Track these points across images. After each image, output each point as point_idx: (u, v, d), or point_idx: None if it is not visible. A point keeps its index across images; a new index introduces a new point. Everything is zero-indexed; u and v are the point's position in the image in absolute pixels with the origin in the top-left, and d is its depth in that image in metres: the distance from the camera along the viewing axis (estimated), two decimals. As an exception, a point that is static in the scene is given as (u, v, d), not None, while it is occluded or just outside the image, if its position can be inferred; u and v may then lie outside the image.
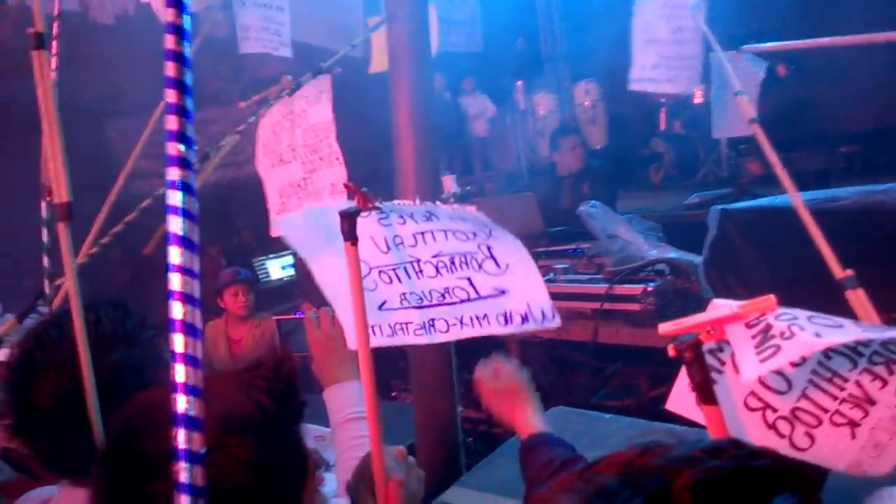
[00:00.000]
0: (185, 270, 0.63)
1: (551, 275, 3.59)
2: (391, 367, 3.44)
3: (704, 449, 0.50)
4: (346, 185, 0.99)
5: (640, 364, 3.28)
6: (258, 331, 3.84)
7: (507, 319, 1.11)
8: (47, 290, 1.59)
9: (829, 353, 0.78)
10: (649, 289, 3.09)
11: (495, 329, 1.13)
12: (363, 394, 1.31)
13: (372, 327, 1.13)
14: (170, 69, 0.67)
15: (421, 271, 1.09)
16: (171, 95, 0.67)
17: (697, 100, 6.64)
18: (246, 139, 2.61)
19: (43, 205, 1.58)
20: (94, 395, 1.03)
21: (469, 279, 1.09)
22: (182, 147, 0.65)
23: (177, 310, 0.62)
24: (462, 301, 1.11)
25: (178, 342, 0.60)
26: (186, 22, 0.67)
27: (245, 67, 6.88)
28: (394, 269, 1.08)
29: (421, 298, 1.12)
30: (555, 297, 3.47)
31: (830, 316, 0.81)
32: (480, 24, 8.30)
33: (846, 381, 0.76)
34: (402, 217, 1.04)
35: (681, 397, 0.85)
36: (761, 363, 0.72)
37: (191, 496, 0.57)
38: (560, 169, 4.87)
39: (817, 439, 0.75)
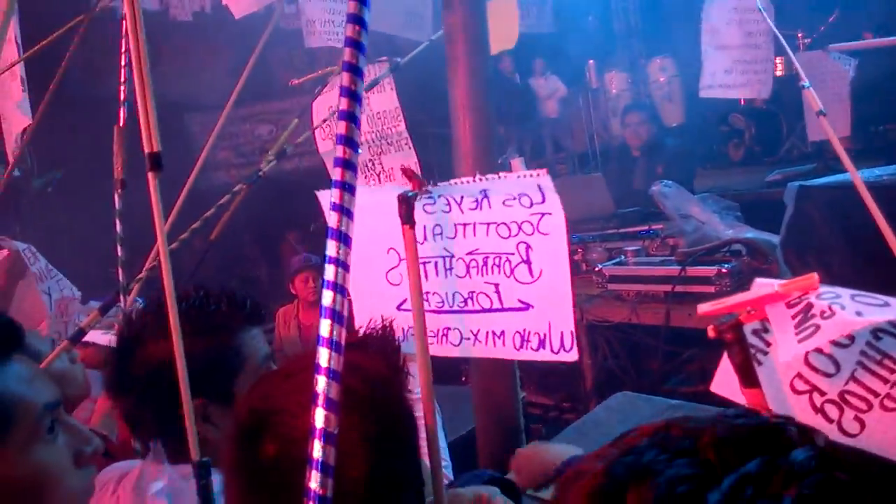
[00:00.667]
0: (339, 263, 0.67)
1: (621, 257, 3.54)
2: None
3: (729, 413, 0.51)
4: (402, 169, 1.01)
5: (716, 349, 3.19)
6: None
7: (524, 341, 1.04)
8: (121, 279, 1.65)
9: (878, 333, 0.75)
10: (724, 270, 3.00)
11: (508, 353, 1.05)
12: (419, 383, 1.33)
13: None
14: (344, 79, 0.74)
15: (451, 268, 1.05)
16: (343, 103, 0.73)
17: (778, 72, 6.31)
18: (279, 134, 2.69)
19: (116, 198, 1.67)
20: (185, 373, 1.09)
21: (497, 285, 1.04)
22: (348, 150, 0.70)
23: (327, 297, 0.67)
24: (483, 310, 1.06)
25: (325, 327, 0.66)
26: (364, 38, 0.74)
27: (318, 59, 7.05)
28: (424, 264, 1.05)
29: (442, 301, 1.08)
30: (625, 279, 3.43)
31: (877, 295, 0.78)
32: (551, 4, 8.16)
33: None
34: (448, 203, 1.03)
35: (725, 379, 0.84)
36: (800, 343, 0.71)
37: (321, 473, 0.60)
38: (632, 148, 4.76)
39: (868, 424, 0.73)
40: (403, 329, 1.11)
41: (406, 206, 0.93)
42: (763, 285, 0.78)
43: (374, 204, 0.99)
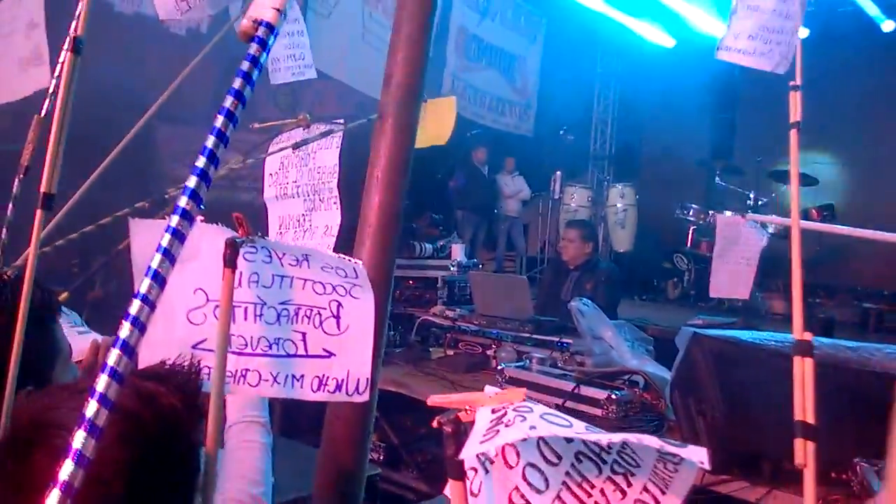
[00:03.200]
0: (147, 301, 0.70)
1: (526, 362, 3.57)
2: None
3: None
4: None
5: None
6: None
7: (322, 384, 1.10)
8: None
9: (580, 456, 0.80)
10: (613, 396, 3.04)
11: (305, 394, 1.10)
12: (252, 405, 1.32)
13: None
14: (227, 101, 0.79)
15: (261, 315, 1.08)
16: (218, 121, 0.78)
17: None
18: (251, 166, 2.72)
19: (16, 182, 1.65)
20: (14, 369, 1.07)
21: (304, 334, 1.09)
22: (190, 202, 0.74)
23: (124, 330, 0.68)
24: (287, 355, 1.09)
25: (113, 357, 0.66)
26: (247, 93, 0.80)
27: (301, 99, 7.18)
28: (234, 307, 1.08)
29: (245, 344, 1.10)
30: (523, 384, 3.43)
31: (568, 416, 0.83)
32: (535, 110, 8.54)
33: (593, 486, 0.78)
34: (270, 255, 1.07)
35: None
36: (480, 444, 0.75)
37: (63, 494, 0.60)
38: (567, 261, 4.90)
39: None
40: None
41: (232, 251, 0.96)
42: (487, 391, 0.84)
43: (191, 243, 1.02)
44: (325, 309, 1.07)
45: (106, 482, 0.79)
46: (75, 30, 1.12)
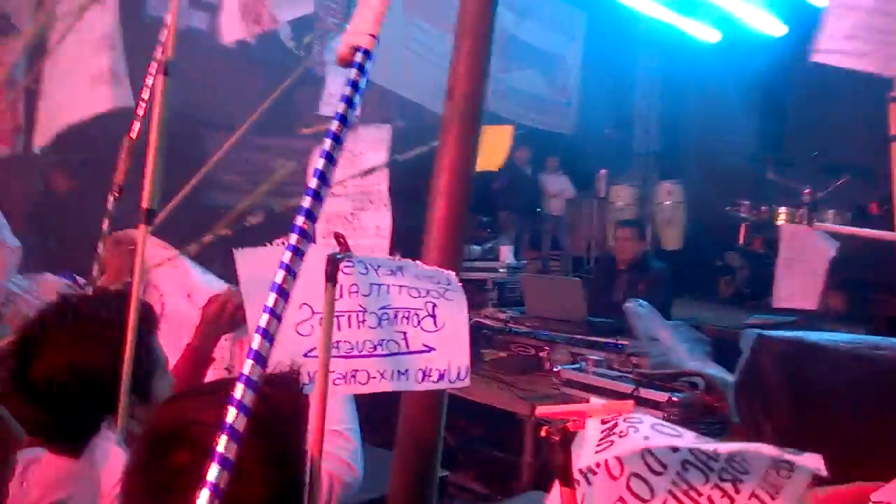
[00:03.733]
0: (273, 313, 0.76)
1: (582, 364, 3.55)
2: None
3: None
4: (334, 234, 1.10)
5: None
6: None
7: (426, 376, 1.22)
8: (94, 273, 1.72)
9: (686, 464, 0.81)
10: (674, 399, 3.01)
11: (412, 385, 1.23)
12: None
13: None
14: (333, 126, 0.86)
15: (364, 321, 1.19)
16: (326, 144, 0.85)
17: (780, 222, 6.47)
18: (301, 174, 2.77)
19: (110, 199, 1.72)
20: (127, 382, 1.14)
21: (405, 333, 1.20)
22: (307, 221, 0.82)
23: (255, 341, 0.74)
24: (391, 354, 1.21)
25: (247, 366, 0.72)
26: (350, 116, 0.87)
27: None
28: (338, 317, 1.17)
29: (352, 348, 1.20)
30: (580, 386, 3.42)
31: (677, 427, 0.83)
32: (576, 108, 8.47)
33: (700, 494, 0.79)
34: (366, 268, 1.14)
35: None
36: (595, 454, 0.77)
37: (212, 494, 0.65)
38: (618, 261, 4.85)
39: None
40: (309, 373, 1.20)
41: (333, 267, 1.03)
42: (594, 402, 0.86)
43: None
44: (421, 310, 1.20)
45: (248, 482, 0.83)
46: (164, 52, 1.17)
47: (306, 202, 0.85)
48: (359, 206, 2.56)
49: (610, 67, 8.41)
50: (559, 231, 8.22)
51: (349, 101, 0.87)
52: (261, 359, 0.74)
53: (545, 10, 8.26)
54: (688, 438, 0.80)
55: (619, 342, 3.82)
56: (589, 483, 0.83)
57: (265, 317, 0.76)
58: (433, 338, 1.21)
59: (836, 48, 2.08)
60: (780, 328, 5.12)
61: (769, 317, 5.58)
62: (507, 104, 7.73)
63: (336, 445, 1.33)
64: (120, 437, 1.15)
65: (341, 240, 1.09)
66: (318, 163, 0.86)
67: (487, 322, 4.37)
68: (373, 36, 0.88)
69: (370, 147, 2.56)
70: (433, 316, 1.19)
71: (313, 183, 0.86)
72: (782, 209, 6.43)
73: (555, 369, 3.55)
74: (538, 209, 7.99)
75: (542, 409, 0.88)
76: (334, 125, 0.87)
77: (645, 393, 3.14)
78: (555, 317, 4.07)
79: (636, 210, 7.78)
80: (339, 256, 1.06)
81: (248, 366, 0.73)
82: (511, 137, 2.69)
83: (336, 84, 2.99)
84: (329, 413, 1.37)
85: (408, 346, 1.21)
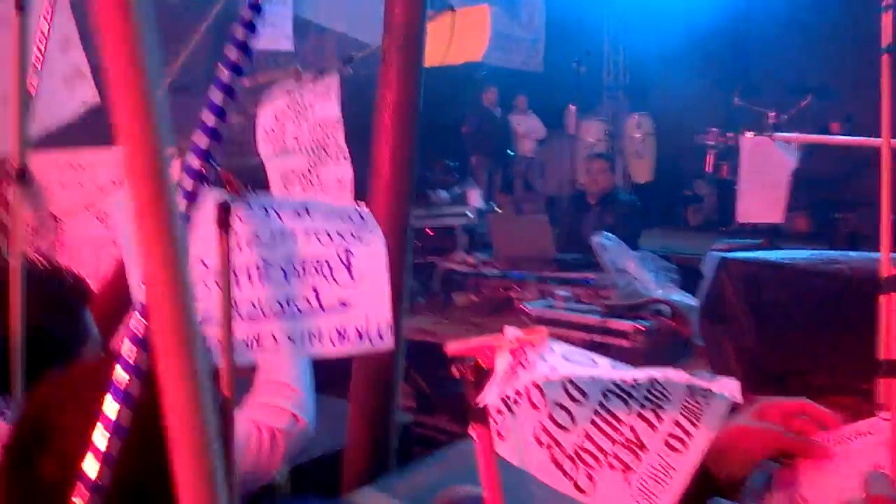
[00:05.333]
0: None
1: (549, 300, 3.58)
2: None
3: None
4: (221, 173, 1.01)
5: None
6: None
7: (343, 336, 1.06)
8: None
9: (607, 394, 0.78)
10: (641, 327, 3.05)
11: (326, 349, 1.07)
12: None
13: None
14: (232, 54, 0.76)
15: (267, 276, 1.06)
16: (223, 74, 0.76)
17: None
18: (251, 127, 2.69)
19: None
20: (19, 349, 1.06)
21: (315, 289, 1.05)
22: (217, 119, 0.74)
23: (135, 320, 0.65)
24: (300, 313, 1.06)
25: (126, 347, 0.63)
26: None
27: (302, 57, 7.04)
28: (235, 273, 1.05)
29: (255, 308, 1.06)
30: (550, 322, 3.45)
31: (593, 354, 0.81)
32: (543, 45, 8.30)
33: (621, 422, 0.75)
34: (267, 212, 1.03)
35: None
36: (498, 388, 0.74)
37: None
38: (588, 195, 4.84)
39: (597, 482, 0.74)
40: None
41: (224, 212, 0.92)
42: (507, 333, 0.81)
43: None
44: (333, 258, 1.03)
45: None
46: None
47: (202, 141, 0.78)
48: (315, 161, 2.49)
49: (575, 3, 8.23)
50: (531, 172, 8.17)
51: (241, 45, 0.78)
52: (141, 342, 0.63)
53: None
54: (602, 366, 0.77)
55: (588, 277, 3.83)
56: (513, 413, 0.81)
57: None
58: (349, 292, 1.05)
59: None
60: (748, 251, 5.19)
61: (736, 241, 5.64)
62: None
63: (282, 397, 1.28)
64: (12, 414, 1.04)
65: (230, 181, 1.01)
66: (214, 95, 0.78)
67: (457, 267, 4.36)
68: None
69: (319, 98, 2.48)
70: (348, 265, 1.01)
71: (209, 119, 0.78)
72: (749, 134, 6.43)
73: (526, 308, 3.57)
74: (509, 151, 7.90)
75: (452, 346, 0.81)
76: (233, 53, 0.78)
77: (612, 324, 3.17)
78: (524, 256, 4.07)
79: (606, 145, 7.74)
80: (230, 199, 0.96)
81: (126, 347, 0.63)
82: (487, 19, 2.56)
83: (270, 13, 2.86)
84: (272, 364, 1.31)
85: (320, 304, 1.06)
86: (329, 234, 1.01)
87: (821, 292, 2.43)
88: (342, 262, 1.02)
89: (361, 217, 1.03)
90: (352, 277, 1.03)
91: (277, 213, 1.01)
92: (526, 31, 8.26)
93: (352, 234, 1.03)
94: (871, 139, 1.86)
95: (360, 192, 2.09)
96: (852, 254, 2.47)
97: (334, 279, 1.03)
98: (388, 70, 1.87)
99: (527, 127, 7.98)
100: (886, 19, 1.18)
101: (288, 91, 2.58)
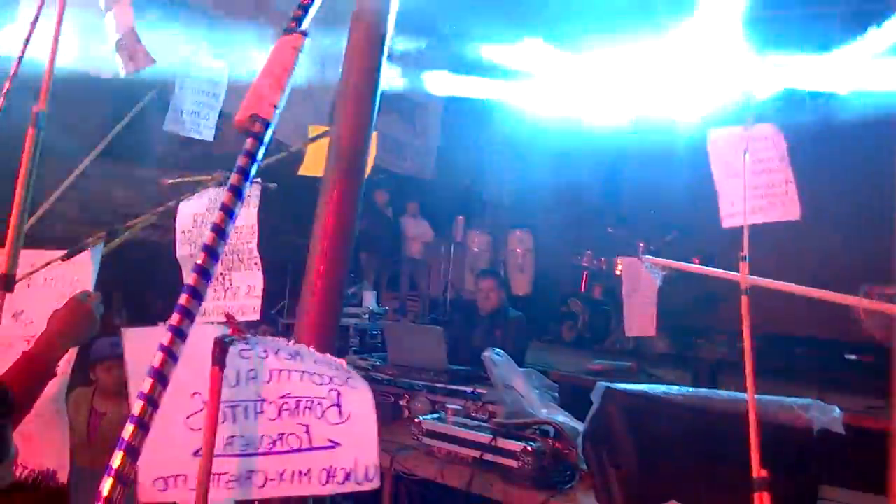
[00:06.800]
0: (150, 401, 0.69)
1: (441, 413, 3.62)
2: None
3: None
4: (225, 315, 1.04)
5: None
6: (126, 409, 3.62)
7: (330, 476, 1.09)
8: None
9: None
10: (529, 448, 3.14)
11: (315, 488, 1.10)
12: None
13: (175, 477, 1.07)
14: (226, 197, 0.84)
15: (262, 412, 1.08)
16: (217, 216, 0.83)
17: (618, 271, 7.08)
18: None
19: None
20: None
21: (307, 427, 1.08)
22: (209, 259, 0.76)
23: (136, 407, 0.68)
24: (292, 450, 1.09)
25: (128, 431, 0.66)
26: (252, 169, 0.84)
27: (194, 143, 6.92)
28: (233, 407, 1.06)
29: (248, 444, 1.09)
30: (440, 437, 3.46)
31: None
32: (434, 157, 8.73)
33: None
34: (266, 352, 1.06)
35: None
36: None
37: None
38: (480, 309, 5.02)
39: None
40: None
41: (220, 350, 0.94)
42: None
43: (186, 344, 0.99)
44: (325, 398, 1.06)
45: None
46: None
47: (192, 279, 0.80)
48: (230, 265, 2.47)
49: (467, 118, 8.78)
50: (418, 273, 8.35)
51: (244, 172, 0.84)
52: (132, 451, 0.66)
53: (409, 57, 8.52)
54: None
55: (477, 390, 3.93)
56: None
57: (139, 404, 0.69)
58: (338, 431, 1.08)
59: (737, 210, 2.48)
60: (620, 372, 5.56)
61: (607, 361, 6.03)
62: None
63: None
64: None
65: (232, 321, 1.03)
66: (208, 238, 0.82)
67: (348, 369, 4.32)
68: (274, 106, 0.85)
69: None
70: (338, 405, 1.08)
71: (200, 258, 0.81)
72: (619, 259, 7.08)
73: (415, 419, 3.59)
74: (398, 251, 8.07)
75: None
76: (227, 196, 0.83)
77: (502, 443, 3.25)
78: (416, 365, 4.13)
79: (490, 255, 8.12)
80: (228, 339, 0.99)
81: (118, 459, 0.66)
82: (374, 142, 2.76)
83: (184, 100, 2.89)
84: None
85: (310, 441, 1.08)
86: (321, 377, 1.04)
87: (697, 426, 2.67)
88: (333, 402, 1.05)
89: (344, 367, 1.07)
90: (341, 416, 1.06)
91: (275, 354, 1.04)
92: (422, 141, 8.68)
93: (341, 378, 1.06)
94: (731, 273, 2.14)
95: (271, 305, 2.10)
96: (722, 393, 2.75)
97: (325, 418, 1.06)
98: (330, 195, 1.93)
99: (417, 230, 8.22)
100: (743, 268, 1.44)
101: (206, 194, 2.59)
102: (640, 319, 3.28)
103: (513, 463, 3.17)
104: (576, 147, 7.80)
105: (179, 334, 0.75)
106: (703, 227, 7.49)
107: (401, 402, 4.09)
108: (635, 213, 7.54)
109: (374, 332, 4.98)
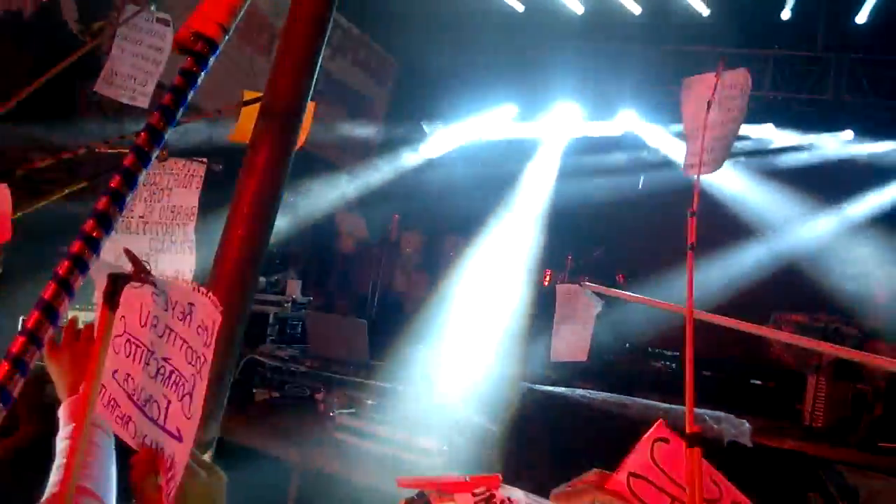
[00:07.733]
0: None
1: (358, 409, 3.53)
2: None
3: None
4: (125, 251, 0.93)
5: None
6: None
7: (168, 469, 0.91)
8: None
9: None
10: (445, 448, 3.09)
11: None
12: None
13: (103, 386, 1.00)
14: (153, 118, 0.73)
15: (147, 364, 0.96)
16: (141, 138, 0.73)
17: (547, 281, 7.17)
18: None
19: None
20: None
21: (169, 403, 0.93)
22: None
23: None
24: (151, 419, 0.94)
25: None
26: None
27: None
28: (137, 347, 0.97)
29: (134, 390, 0.99)
30: (355, 433, 3.33)
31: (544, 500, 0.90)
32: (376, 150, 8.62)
33: None
34: (167, 304, 0.92)
35: None
36: None
37: None
38: (405, 304, 4.95)
39: None
40: (109, 397, 1.05)
41: (113, 288, 0.82)
42: (454, 477, 0.86)
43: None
44: (188, 382, 0.90)
45: None
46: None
47: (102, 203, 0.72)
48: (158, 247, 2.30)
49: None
50: (348, 269, 8.20)
51: (178, 92, 0.74)
52: (21, 364, 0.62)
53: (359, 50, 8.40)
54: None
55: (399, 386, 3.85)
56: None
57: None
58: (187, 426, 0.92)
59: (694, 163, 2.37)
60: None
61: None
62: (311, 136, 7.63)
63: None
64: None
65: (134, 259, 0.91)
66: (127, 158, 0.73)
67: (264, 359, 4.16)
68: (222, 27, 0.75)
69: (180, 183, 2.34)
70: (191, 396, 0.90)
71: (115, 181, 0.72)
72: (548, 271, 7.25)
73: (331, 413, 3.48)
74: (330, 246, 7.91)
75: (403, 480, 0.85)
76: (155, 117, 0.73)
77: (418, 440, 3.19)
78: (337, 357, 4.01)
79: (423, 257, 8.06)
80: (122, 276, 0.87)
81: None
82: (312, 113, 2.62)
83: (122, 62, 2.71)
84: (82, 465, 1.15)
85: (165, 421, 0.94)
86: (195, 354, 0.89)
87: (611, 430, 2.69)
88: (189, 391, 0.89)
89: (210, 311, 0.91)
90: (189, 412, 0.89)
91: (173, 308, 0.92)
92: (363, 132, 8.56)
93: (203, 359, 0.90)
94: (677, 305, 2.11)
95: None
96: (640, 400, 2.77)
97: (181, 405, 0.90)
98: (256, 157, 1.81)
99: (351, 226, 8.08)
100: (692, 223, 1.40)
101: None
102: (570, 345, 3.24)
103: (423, 459, 3.11)
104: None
105: (79, 264, 0.68)
106: (626, 245, 7.74)
107: (316, 396, 3.95)
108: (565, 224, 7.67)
109: (295, 323, 4.83)
